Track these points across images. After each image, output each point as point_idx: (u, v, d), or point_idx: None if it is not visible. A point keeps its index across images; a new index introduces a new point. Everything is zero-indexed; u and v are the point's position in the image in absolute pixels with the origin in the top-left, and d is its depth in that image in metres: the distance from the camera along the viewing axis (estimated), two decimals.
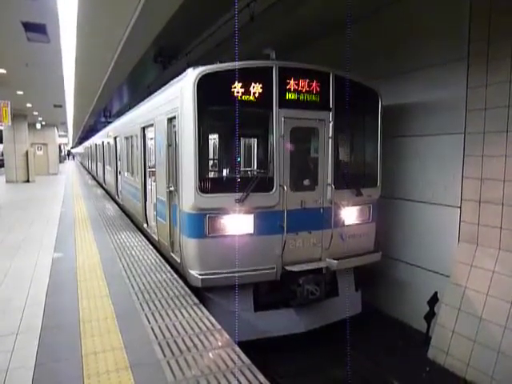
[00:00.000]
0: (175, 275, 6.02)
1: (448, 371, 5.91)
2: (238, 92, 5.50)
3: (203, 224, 5.57)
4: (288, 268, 5.93)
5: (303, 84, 5.96)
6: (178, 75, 6.48)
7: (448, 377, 5.83)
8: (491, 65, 5.78)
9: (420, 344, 6.64)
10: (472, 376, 5.62)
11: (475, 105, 6.03)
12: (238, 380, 3.30)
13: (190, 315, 4.58)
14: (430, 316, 6.70)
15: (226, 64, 5.56)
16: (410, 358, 6.34)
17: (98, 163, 22.79)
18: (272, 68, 5.75)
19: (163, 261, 6.77)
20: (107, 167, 17.79)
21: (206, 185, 5.57)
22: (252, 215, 5.73)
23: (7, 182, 23.38)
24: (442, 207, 6.80)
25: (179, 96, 5.92)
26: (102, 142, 19.51)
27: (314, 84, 6.04)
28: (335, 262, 6.20)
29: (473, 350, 5.68)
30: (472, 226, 6.16)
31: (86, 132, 44.36)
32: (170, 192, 6.65)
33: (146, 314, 4.56)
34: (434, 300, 6.68)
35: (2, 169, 26.98)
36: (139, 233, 9.08)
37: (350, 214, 6.53)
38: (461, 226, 6.37)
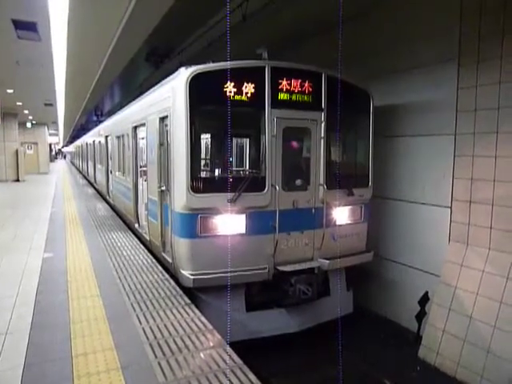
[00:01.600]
0: (167, 275, 5.98)
1: (438, 370, 5.96)
2: (230, 92, 5.49)
3: (195, 224, 5.56)
4: (280, 268, 5.94)
5: (295, 84, 5.97)
6: (170, 74, 6.45)
7: (438, 376, 5.87)
8: (481, 66, 5.84)
9: (411, 343, 6.68)
10: (462, 375, 5.67)
11: (466, 106, 6.08)
12: (229, 380, 3.28)
13: (182, 316, 4.55)
14: (421, 315, 6.74)
15: (219, 64, 5.55)
16: (400, 357, 6.38)
17: (89, 162, 22.63)
18: (264, 68, 5.76)
19: (155, 261, 6.73)
20: (98, 166, 17.67)
21: (198, 184, 5.56)
22: (244, 215, 5.73)
23: None
24: (433, 207, 6.85)
25: (171, 95, 5.90)
26: (93, 141, 19.38)
27: (307, 84, 6.06)
28: (327, 261, 6.23)
29: (463, 350, 5.73)
30: (462, 226, 6.21)
31: (77, 131, 44.05)
32: (162, 192, 6.62)
33: (137, 315, 4.53)
34: (424, 300, 6.72)
35: None
36: (130, 233, 9.02)
37: (341, 214, 6.56)
38: (451, 226, 6.42)
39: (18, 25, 7.78)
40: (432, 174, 6.86)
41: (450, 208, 6.44)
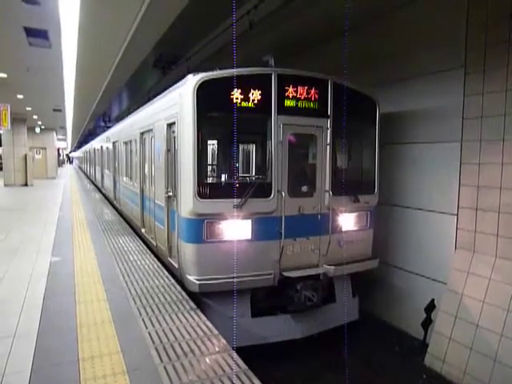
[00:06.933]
0: (173, 280, 6.02)
1: (445, 379, 5.91)
2: (237, 98, 5.54)
3: (201, 229, 5.58)
4: (285, 274, 5.95)
5: (302, 91, 6.01)
6: (177, 81, 6.52)
7: None
8: (487, 73, 5.84)
9: (417, 351, 6.64)
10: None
11: (472, 113, 6.08)
12: None
13: (188, 320, 4.58)
14: (427, 323, 6.71)
15: (226, 71, 5.60)
16: (406, 365, 6.35)
17: (97, 167, 22.80)
18: (271, 75, 5.80)
19: (161, 266, 6.77)
20: (106, 172, 17.80)
21: (205, 190, 5.59)
22: (250, 221, 5.75)
23: (5, 185, 23.32)
24: (439, 214, 6.83)
25: (179, 102, 5.96)
26: (101, 147, 19.53)
27: (313, 91, 6.09)
28: (332, 268, 6.21)
29: (469, 358, 5.69)
30: (469, 234, 6.19)
31: (85, 136, 44.38)
32: (169, 197, 6.67)
33: (143, 319, 4.56)
34: (430, 307, 6.69)
35: (1, 172, 26.94)
36: (137, 237, 9.08)
37: (347, 221, 6.55)
38: (457, 234, 6.40)
39: (30, 32, 7.93)
40: (438, 181, 6.85)
41: (457, 215, 6.42)
